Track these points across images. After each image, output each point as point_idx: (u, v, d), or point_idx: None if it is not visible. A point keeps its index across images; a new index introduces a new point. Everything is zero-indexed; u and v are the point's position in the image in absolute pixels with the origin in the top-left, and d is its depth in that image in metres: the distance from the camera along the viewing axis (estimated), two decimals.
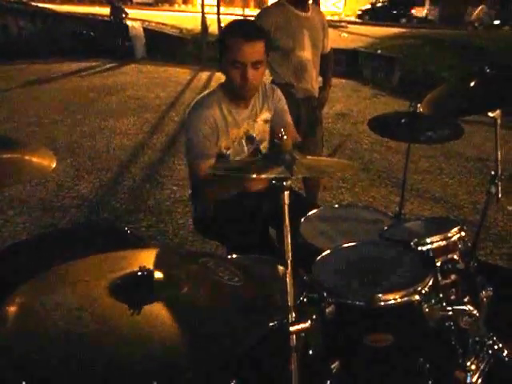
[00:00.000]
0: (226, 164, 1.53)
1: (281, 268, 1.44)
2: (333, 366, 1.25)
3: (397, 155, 4.45)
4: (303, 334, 1.15)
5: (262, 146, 1.95)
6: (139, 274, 0.98)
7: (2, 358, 0.85)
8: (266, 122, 1.95)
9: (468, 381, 1.39)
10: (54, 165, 1.10)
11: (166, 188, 3.74)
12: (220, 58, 1.73)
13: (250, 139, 1.90)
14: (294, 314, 1.04)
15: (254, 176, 1.05)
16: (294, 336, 1.04)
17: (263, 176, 1.01)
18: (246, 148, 1.90)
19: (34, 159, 1.09)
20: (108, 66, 9.24)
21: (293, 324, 1.03)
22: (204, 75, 8.45)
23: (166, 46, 10.57)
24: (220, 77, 1.82)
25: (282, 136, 1.02)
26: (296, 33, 2.60)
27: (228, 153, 1.86)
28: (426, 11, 19.33)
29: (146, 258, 1.10)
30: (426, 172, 4.14)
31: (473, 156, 4.56)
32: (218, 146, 1.82)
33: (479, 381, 1.40)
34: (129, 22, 10.89)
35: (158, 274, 1.00)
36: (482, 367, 1.43)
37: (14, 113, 5.79)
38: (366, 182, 3.91)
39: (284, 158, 1.01)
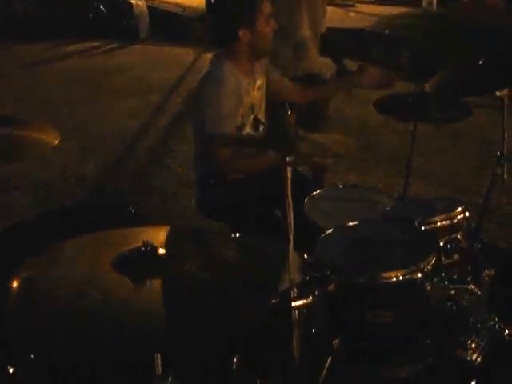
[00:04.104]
0: (237, 137, 1.54)
1: (283, 245, 1.45)
2: (334, 342, 1.27)
3: (403, 137, 4.40)
4: (305, 310, 1.17)
5: (259, 115, 1.95)
6: (143, 249, 0.99)
7: (10, 332, 0.87)
8: (259, 88, 1.96)
9: (468, 359, 1.40)
10: (57, 141, 1.10)
11: (171, 169, 3.74)
12: (247, 24, 1.75)
13: (252, 108, 1.91)
14: (295, 290, 1.05)
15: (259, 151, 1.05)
16: (296, 311, 1.05)
17: (268, 151, 1.01)
18: (251, 117, 1.91)
19: (37, 135, 1.09)
20: (112, 46, 9.13)
21: (295, 299, 1.04)
22: (208, 56, 8.33)
23: (169, 26, 10.39)
24: None
25: (286, 112, 1.02)
26: (295, 11, 2.56)
27: (244, 121, 1.86)
28: None
29: (150, 235, 1.11)
30: (432, 154, 4.10)
31: (480, 139, 4.50)
32: (239, 115, 1.83)
33: (479, 359, 1.42)
34: (132, 0, 10.71)
35: (162, 250, 1.01)
36: (482, 346, 1.44)
37: (19, 94, 5.77)
38: (370, 163, 3.89)
39: (287, 134, 1.01)
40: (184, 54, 8.52)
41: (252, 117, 1.93)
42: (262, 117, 1.97)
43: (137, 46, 9.24)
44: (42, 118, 4.93)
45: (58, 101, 5.55)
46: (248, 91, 1.87)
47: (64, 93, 5.89)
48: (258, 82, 1.95)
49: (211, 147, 1.78)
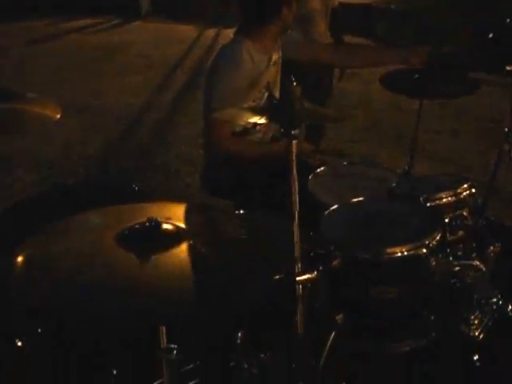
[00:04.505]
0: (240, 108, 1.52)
1: (288, 222, 1.44)
2: (338, 318, 1.27)
3: (408, 116, 4.33)
4: (309, 285, 1.17)
5: (274, 91, 1.93)
6: (147, 224, 0.98)
7: (15, 309, 0.87)
8: (274, 64, 1.93)
9: (471, 334, 1.41)
10: (58, 115, 1.08)
11: (174, 147, 3.72)
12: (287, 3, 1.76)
13: (266, 84, 1.88)
14: (300, 265, 1.04)
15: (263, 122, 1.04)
16: (301, 286, 1.05)
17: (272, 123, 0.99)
18: (265, 95, 1.89)
19: (38, 110, 1.08)
20: (113, 22, 8.99)
21: (299, 274, 1.04)
22: (211, 32, 8.21)
23: (171, 2, 10.21)
24: (228, 34, 1.78)
25: (291, 82, 0.99)
26: None
27: (257, 103, 1.84)
28: None
29: (155, 210, 1.10)
30: (437, 132, 4.05)
31: (486, 117, 4.44)
32: (250, 98, 1.80)
33: (481, 335, 1.42)
34: None
35: (166, 226, 1.01)
36: (485, 322, 1.45)
37: (18, 72, 5.71)
38: (374, 142, 3.86)
39: (293, 106, 0.98)
40: (186, 31, 8.38)
41: (266, 94, 1.90)
42: (276, 93, 1.95)
43: (138, 23, 9.08)
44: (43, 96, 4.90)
45: (59, 78, 5.49)
46: (263, 70, 1.85)
47: (65, 70, 5.82)
48: (274, 57, 1.92)
49: (215, 130, 1.78)
